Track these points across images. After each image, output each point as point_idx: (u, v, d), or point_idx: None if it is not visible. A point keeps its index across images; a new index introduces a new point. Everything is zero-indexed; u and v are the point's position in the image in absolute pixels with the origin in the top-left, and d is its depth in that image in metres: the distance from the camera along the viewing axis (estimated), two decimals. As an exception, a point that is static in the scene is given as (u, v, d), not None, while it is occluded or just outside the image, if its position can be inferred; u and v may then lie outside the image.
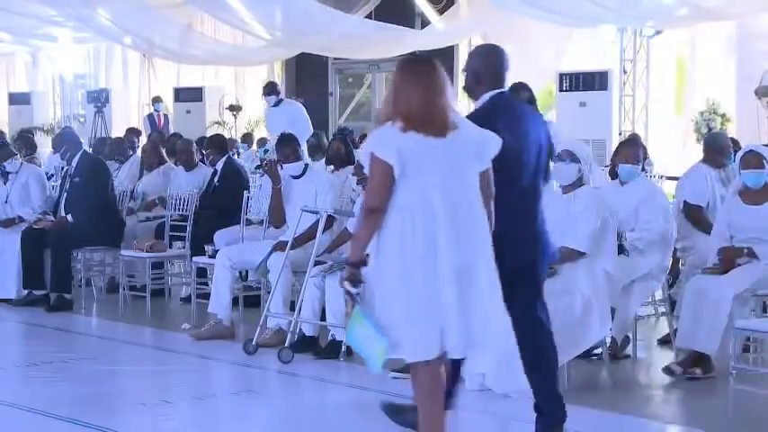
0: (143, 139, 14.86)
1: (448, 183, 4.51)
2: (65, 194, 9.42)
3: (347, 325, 4.65)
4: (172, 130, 17.14)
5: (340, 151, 10.29)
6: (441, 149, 4.52)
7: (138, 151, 12.16)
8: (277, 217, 7.97)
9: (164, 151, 10.91)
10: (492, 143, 4.66)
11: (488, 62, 5.11)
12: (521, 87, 7.48)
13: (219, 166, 9.65)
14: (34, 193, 9.73)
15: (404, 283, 4.45)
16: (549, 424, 5.13)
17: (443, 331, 4.44)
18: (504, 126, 4.84)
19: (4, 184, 9.78)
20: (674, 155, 15.10)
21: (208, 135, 14.93)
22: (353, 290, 4.53)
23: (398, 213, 4.48)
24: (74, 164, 9.43)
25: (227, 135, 16.70)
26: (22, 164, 9.92)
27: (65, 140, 9.89)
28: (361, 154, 4.88)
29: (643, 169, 7.71)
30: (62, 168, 10.06)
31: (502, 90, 5.11)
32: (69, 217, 9.22)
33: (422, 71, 4.61)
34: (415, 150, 4.48)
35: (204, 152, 9.97)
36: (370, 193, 4.56)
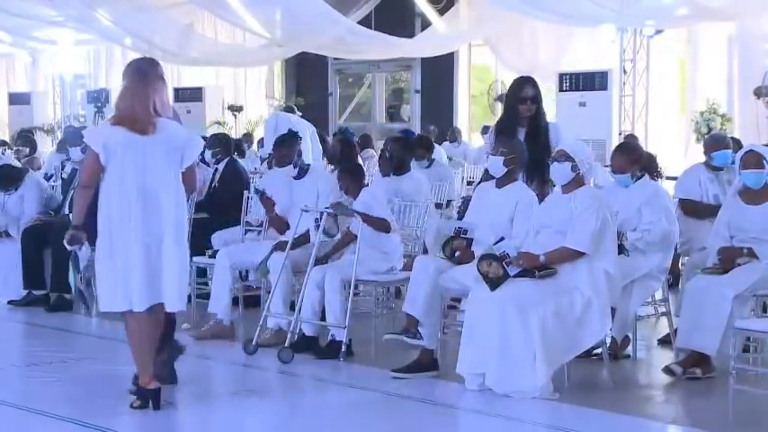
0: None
1: (143, 172, 5.64)
2: (71, 193, 9.37)
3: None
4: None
5: (335, 150, 10.29)
6: (141, 145, 5.64)
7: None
8: (280, 228, 7.99)
9: None
10: (195, 148, 5.91)
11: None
12: (525, 82, 7.35)
13: (221, 166, 9.64)
14: (29, 205, 9.61)
15: (106, 248, 5.69)
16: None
17: (132, 290, 5.64)
18: None
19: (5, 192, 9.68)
20: (678, 155, 15.11)
21: (208, 135, 14.90)
22: (70, 248, 5.94)
23: (104, 192, 5.70)
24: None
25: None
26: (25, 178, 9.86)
27: (77, 139, 9.82)
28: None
29: (653, 176, 7.67)
30: (62, 166, 10.02)
31: None
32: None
33: (140, 81, 5.76)
34: (120, 142, 5.64)
35: (212, 150, 9.81)
36: (83, 174, 5.88)
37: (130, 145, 5.63)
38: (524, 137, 7.11)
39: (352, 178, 7.69)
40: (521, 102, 7.19)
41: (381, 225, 7.40)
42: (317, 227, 7.35)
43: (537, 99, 7.21)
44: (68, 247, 5.94)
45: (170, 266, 5.69)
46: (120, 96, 5.80)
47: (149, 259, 5.64)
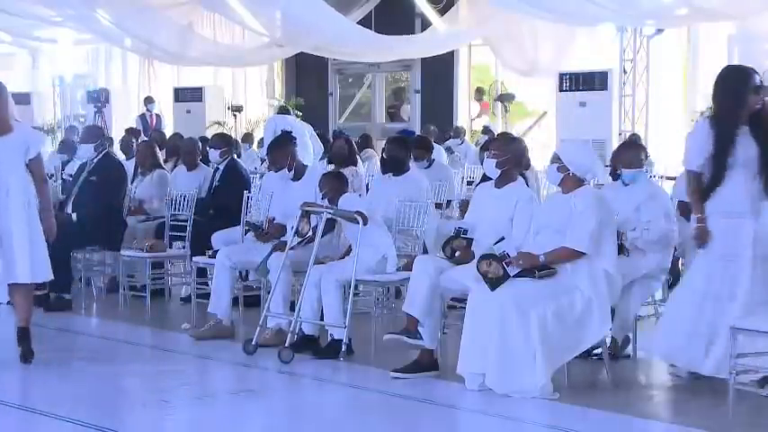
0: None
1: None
2: (75, 190, 9.35)
3: None
4: (169, 130, 17.15)
5: (343, 150, 10.26)
6: None
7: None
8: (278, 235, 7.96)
9: (160, 155, 10.79)
10: (37, 142, 7.04)
11: None
12: (751, 70, 6.23)
13: (221, 166, 9.63)
14: None
15: None
16: None
17: None
18: None
19: None
20: (678, 155, 15.08)
21: (208, 135, 14.89)
22: None
23: None
24: (94, 162, 9.38)
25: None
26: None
27: (99, 135, 9.86)
28: None
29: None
30: (62, 166, 10.01)
31: None
32: (74, 216, 9.17)
33: None
34: None
35: (219, 149, 9.77)
36: None
37: None
38: (749, 132, 6.15)
39: (335, 186, 7.60)
40: (755, 91, 6.12)
41: (358, 216, 7.27)
42: (295, 232, 7.34)
43: (763, 89, 6.16)
44: None
45: (24, 249, 6.79)
46: None
47: (2, 246, 6.72)
